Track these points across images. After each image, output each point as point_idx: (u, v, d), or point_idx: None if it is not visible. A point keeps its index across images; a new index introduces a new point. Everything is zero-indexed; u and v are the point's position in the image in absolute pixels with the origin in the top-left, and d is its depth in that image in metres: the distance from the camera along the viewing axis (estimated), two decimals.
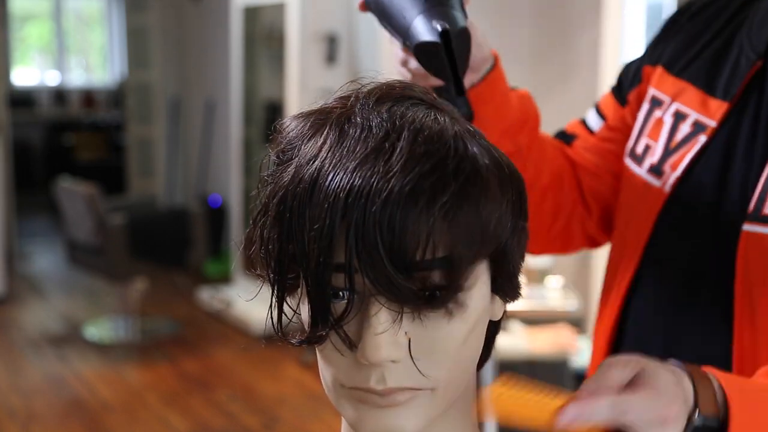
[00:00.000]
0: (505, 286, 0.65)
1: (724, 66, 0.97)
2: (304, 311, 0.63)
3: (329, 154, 0.59)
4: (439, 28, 0.84)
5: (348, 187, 0.57)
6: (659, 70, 1.04)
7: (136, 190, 7.33)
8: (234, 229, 5.53)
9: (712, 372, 0.70)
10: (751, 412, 0.68)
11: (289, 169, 0.61)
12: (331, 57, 4.63)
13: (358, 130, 0.60)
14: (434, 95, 0.67)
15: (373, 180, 0.57)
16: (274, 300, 0.64)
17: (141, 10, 6.99)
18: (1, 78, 6.13)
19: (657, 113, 1.02)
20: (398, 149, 0.58)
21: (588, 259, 3.58)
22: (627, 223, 1.04)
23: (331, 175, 0.58)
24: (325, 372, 0.64)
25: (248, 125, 5.39)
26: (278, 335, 0.65)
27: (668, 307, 0.97)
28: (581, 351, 3.01)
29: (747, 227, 0.88)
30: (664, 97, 1.01)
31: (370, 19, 1.11)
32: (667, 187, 0.97)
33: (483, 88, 0.98)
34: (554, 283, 3.27)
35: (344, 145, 0.60)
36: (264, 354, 4.49)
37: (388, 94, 0.65)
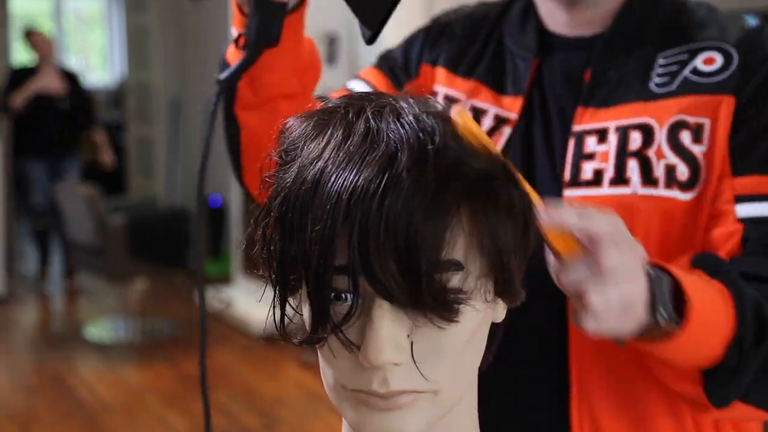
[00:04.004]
0: (508, 291, 0.64)
1: (505, 67, 1.08)
2: (306, 312, 0.62)
3: (332, 155, 0.59)
4: None
5: (351, 188, 0.57)
6: (442, 71, 1.11)
7: (136, 190, 7.33)
8: (234, 230, 5.53)
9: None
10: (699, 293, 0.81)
11: (291, 170, 0.61)
12: (331, 57, 4.63)
13: (362, 131, 0.60)
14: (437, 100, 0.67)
15: (375, 181, 0.56)
16: (276, 301, 0.64)
17: (141, 10, 6.99)
18: (1, 78, 6.13)
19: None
20: (402, 151, 0.58)
21: None
22: None
23: (334, 176, 0.58)
24: (327, 373, 0.63)
25: None
26: (281, 335, 0.65)
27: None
28: None
29: (568, 192, 0.98)
30: (459, 95, 1.09)
31: None
32: None
33: (296, 17, 0.98)
34: None
35: (347, 145, 0.59)
36: (264, 354, 4.49)
37: (393, 96, 0.65)
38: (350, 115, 0.62)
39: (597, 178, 0.98)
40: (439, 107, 0.65)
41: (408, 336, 0.59)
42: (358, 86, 1.15)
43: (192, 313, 5.21)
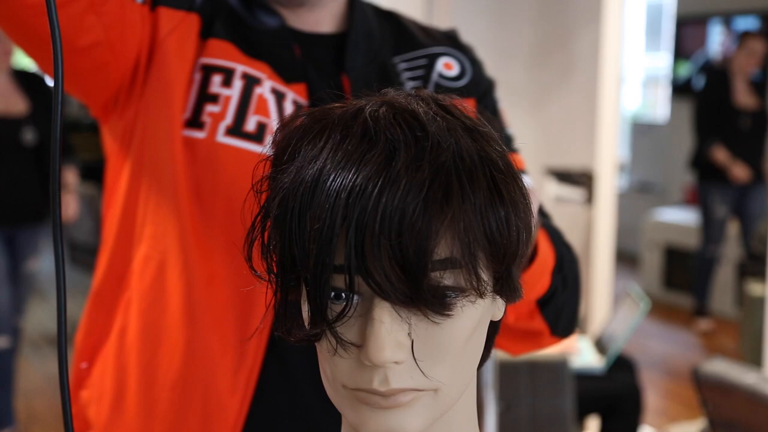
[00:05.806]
0: (507, 287, 0.64)
1: (275, 55, 1.05)
2: (306, 311, 0.63)
3: (331, 155, 0.59)
4: None
5: (349, 187, 0.57)
6: (228, 45, 1.04)
7: None
8: None
9: None
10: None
11: (290, 170, 0.61)
12: None
13: (360, 131, 0.60)
14: (441, 93, 0.66)
15: (373, 180, 0.57)
16: (276, 301, 0.64)
17: None
18: None
19: (257, 90, 1.03)
20: (401, 150, 0.58)
21: (588, 259, 3.58)
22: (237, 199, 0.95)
23: (333, 175, 0.58)
24: (327, 373, 0.63)
25: None
26: (281, 334, 0.65)
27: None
28: (581, 351, 3.01)
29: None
30: (259, 74, 1.04)
31: None
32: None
33: None
34: None
35: (346, 145, 0.59)
36: None
37: (391, 93, 0.65)
38: (348, 115, 0.62)
39: None
40: (436, 101, 0.64)
41: (408, 334, 0.60)
42: None
43: None
